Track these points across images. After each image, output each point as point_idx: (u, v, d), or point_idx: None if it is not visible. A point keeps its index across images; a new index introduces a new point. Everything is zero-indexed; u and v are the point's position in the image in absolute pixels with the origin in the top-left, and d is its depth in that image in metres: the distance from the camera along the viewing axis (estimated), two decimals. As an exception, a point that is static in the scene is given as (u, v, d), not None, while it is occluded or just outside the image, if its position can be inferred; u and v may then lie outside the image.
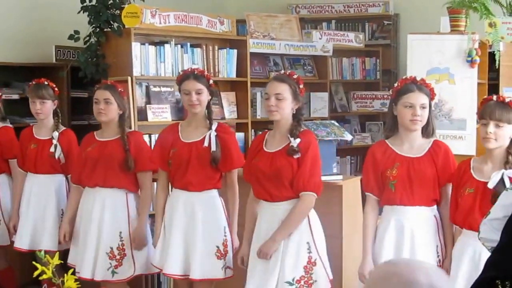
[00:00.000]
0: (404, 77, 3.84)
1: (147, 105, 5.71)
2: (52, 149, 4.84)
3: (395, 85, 3.78)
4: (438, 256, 3.67)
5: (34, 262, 2.70)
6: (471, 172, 3.52)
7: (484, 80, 5.39)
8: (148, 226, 4.54)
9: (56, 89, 4.96)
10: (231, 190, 4.19)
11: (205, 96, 4.16)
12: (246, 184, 4.02)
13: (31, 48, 6.38)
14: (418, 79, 3.74)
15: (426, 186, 3.65)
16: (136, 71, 5.60)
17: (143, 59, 5.66)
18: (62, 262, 3.14)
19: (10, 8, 6.33)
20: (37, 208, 4.86)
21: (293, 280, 3.70)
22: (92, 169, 4.42)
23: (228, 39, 6.35)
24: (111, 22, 5.75)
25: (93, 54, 5.76)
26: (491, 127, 3.43)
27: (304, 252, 3.73)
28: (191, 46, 6.01)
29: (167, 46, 5.82)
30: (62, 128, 4.98)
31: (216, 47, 6.20)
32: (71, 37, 5.85)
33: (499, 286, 1.63)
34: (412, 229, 3.64)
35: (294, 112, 3.80)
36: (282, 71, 4.03)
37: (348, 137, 4.78)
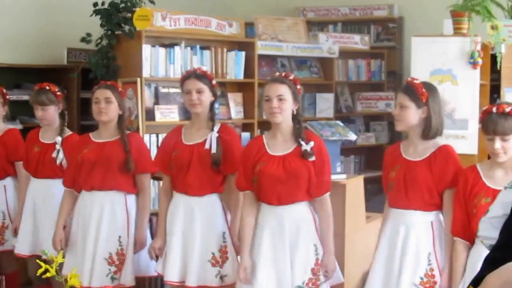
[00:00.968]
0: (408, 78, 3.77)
1: (155, 106, 5.65)
2: (54, 155, 4.64)
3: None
4: (429, 264, 3.51)
5: (38, 260, 2.64)
6: (484, 181, 3.34)
7: (486, 81, 5.38)
8: (148, 229, 4.39)
9: (59, 93, 4.78)
10: (235, 194, 3.94)
11: (207, 96, 3.99)
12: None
13: (43, 50, 6.34)
14: (418, 80, 3.64)
15: (420, 190, 3.52)
16: (146, 73, 5.55)
17: (153, 61, 5.61)
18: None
19: (24, 12, 6.31)
20: (37, 213, 4.70)
21: (303, 283, 3.60)
22: (88, 172, 4.18)
23: (236, 41, 6.29)
24: (123, 25, 5.73)
25: (104, 56, 5.73)
26: (498, 143, 3.26)
27: (311, 255, 3.64)
28: (201, 48, 5.95)
29: (177, 48, 5.76)
30: (68, 132, 4.79)
31: (225, 49, 6.13)
32: (83, 39, 5.85)
33: None
34: (406, 232, 3.53)
35: (294, 113, 3.68)
36: (277, 73, 3.87)
37: (352, 137, 4.71)
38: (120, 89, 4.36)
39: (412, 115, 3.54)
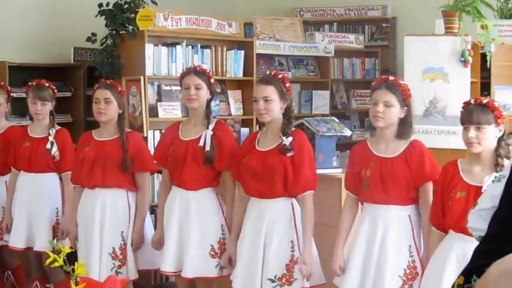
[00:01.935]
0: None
1: (158, 103, 5.66)
2: (48, 146, 4.55)
3: (373, 84, 3.65)
4: (411, 255, 3.47)
5: (47, 251, 2.63)
6: (461, 175, 3.29)
7: (477, 79, 5.36)
8: (152, 222, 4.36)
9: (55, 90, 4.74)
10: (229, 188, 3.96)
11: (204, 93, 3.96)
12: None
13: (51, 50, 6.37)
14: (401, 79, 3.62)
15: (399, 186, 3.47)
16: (149, 71, 5.57)
17: (156, 60, 5.63)
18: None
19: (33, 14, 6.35)
20: (30, 207, 4.61)
21: (275, 277, 3.59)
22: (90, 169, 4.12)
23: (236, 40, 6.30)
24: (126, 25, 5.74)
25: (109, 54, 5.73)
26: (472, 132, 3.21)
27: (287, 250, 3.62)
28: (201, 47, 5.96)
29: (178, 47, 5.77)
30: (58, 127, 4.71)
31: (225, 48, 6.14)
32: (89, 39, 5.89)
33: None
34: (385, 227, 3.47)
35: (284, 111, 3.67)
36: (268, 72, 3.88)
37: (347, 132, 4.73)
38: (120, 88, 4.29)
39: (395, 114, 3.50)
